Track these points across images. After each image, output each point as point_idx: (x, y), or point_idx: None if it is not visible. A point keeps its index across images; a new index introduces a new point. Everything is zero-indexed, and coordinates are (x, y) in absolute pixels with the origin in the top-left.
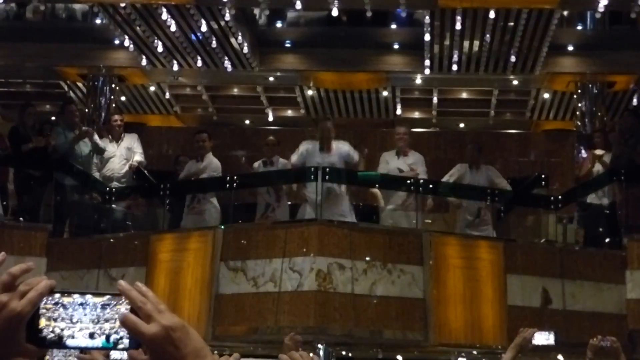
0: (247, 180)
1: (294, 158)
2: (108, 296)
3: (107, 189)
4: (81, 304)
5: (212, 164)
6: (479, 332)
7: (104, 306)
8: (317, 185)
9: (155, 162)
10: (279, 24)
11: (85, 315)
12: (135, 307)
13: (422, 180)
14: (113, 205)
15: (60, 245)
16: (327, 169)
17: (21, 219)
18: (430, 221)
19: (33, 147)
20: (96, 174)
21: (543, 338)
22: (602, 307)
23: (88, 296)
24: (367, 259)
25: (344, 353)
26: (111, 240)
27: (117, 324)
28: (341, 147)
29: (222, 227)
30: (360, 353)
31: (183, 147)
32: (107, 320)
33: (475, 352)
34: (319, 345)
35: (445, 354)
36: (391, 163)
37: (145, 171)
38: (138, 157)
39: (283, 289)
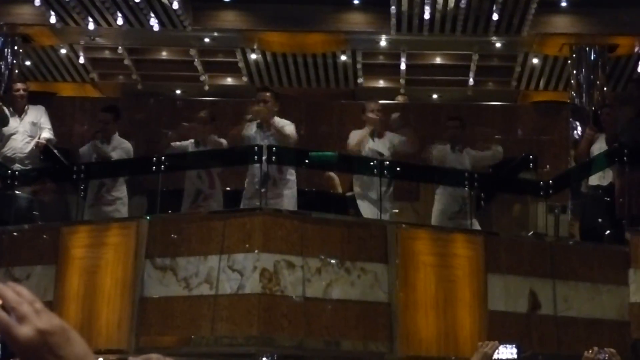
0: (177, 162)
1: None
2: None
3: (9, 172)
4: None
5: (121, 146)
6: (454, 343)
7: None
8: (260, 168)
9: (67, 140)
10: None
11: None
12: (9, 308)
13: (388, 163)
14: (16, 192)
15: None
16: (274, 148)
17: None
18: (397, 211)
19: None
20: None
21: (507, 352)
22: (601, 313)
23: None
24: (322, 256)
25: None
26: (14, 233)
27: None
28: (280, 123)
29: (148, 217)
30: None
31: None
32: None
33: None
34: (264, 359)
35: None
36: (366, 145)
37: (55, 150)
38: (46, 133)
39: (221, 291)
